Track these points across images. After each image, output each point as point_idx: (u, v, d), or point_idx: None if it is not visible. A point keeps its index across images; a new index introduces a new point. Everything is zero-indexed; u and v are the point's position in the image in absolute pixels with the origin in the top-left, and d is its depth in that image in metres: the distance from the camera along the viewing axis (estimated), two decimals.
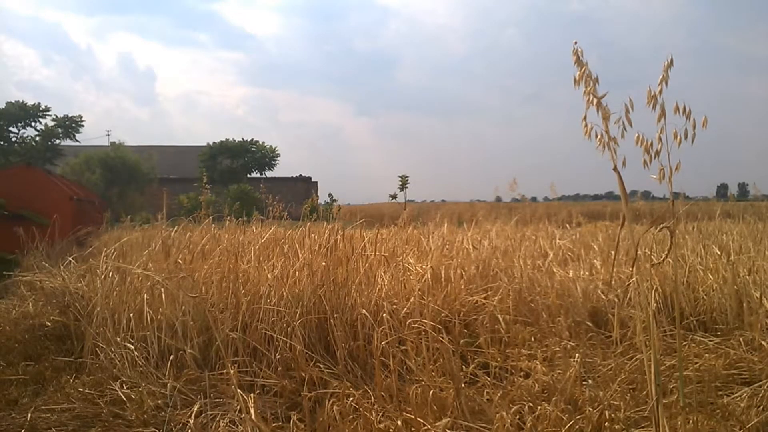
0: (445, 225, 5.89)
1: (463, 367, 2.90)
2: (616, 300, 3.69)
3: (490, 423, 2.21)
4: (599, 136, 1.79)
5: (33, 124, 21.27)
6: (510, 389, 2.65)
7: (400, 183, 18.52)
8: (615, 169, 1.79)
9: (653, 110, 1.76)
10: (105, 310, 3.40)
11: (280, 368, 2.91)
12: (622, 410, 2.36)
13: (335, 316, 3.19)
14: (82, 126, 22.03)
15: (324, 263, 3.49)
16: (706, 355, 3.09)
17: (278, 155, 29.15)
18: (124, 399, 2.69)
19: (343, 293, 3.42)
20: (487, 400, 2.56)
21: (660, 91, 1.75)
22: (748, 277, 3.75)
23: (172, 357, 2.92)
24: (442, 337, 2.82)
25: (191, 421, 2.34)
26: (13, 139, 20.81)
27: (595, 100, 1.76)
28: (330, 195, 20.03)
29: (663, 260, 2.36)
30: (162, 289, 3.37)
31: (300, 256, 3.69)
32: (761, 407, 2.35)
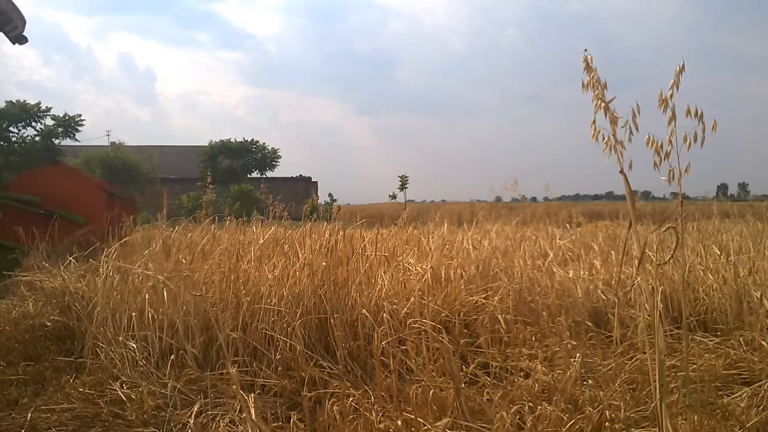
0: (445, 225, 5.89)
1: (463, 367, 2.90)
2: (616, 300, 3.69)
3: (490, 423, 2.21)
4: (606, 139, 1.82)
5: (33, 124, 21.27)
6: (510, 389, 2.65)
7: (400, 183, 18.55)
8: (621, 171, 1.83)
9: (664, 113, 1.81)
10: (105, 310, 3.40)
11: (280, 368, 2.91)
12: (622, 410, 2.36)
13: (335, 316, 3.19)
14: (82, 126, 22.03)
15: (324, 263, 3.49)
16: (706, 355, 3.09)
17: (279, 156, 29.18)
18: (125, 399, 2.69)
19: (343, 293, 3.42)
20: (487, 400, 2.56)
21: (671, 95, 1.80)
22: (748, 277, 3.76)
23: (172, 357, 2.93)
24: (442, 337, 2.82)
25: (191, 421, 2.34)
26: (13, 139, 20.79)
27: (603, 104, 1.80)
28: (330, 195, 20.06)
29: (669, 260, 2.36)
30: (163, 289, 3.37)
31: (300, 256, 3.69)
32: (761, 407, 2.35)
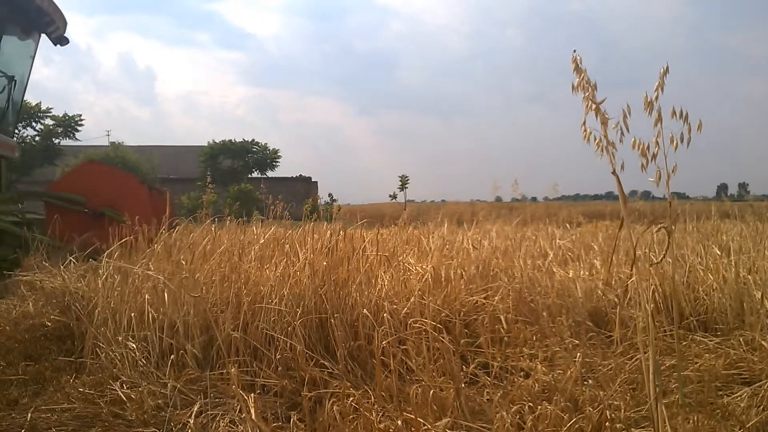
0: (446, 225, 5.89)
1: (464, 367, 2.90)
2: (616, 300, 3.70)
3: (490, 423, 2.21)
4: (597, 141, 1.82)
5: (33, 124, 21.27)
6: (510, 389, 2.65)
7: (400, 183, 18.55)
8: (614, 172, 1.84)
9: (650, 115, 1.81)
10: (106, 310, 3.40)
11: (280, 368, 2.91)
12: (623, 410, 2.36)
13: (336, 315, 3.19)
14: (82, 126, 22.06)
15: (325, 263, 3.49)
16: (706, 355, 3.09)
17: (279, 156, 29.20)
18: (125, 399, 2.69)
19: (343, 293, 3.42)
20: (488, 400, 2.56)
21: (656, 97, 1.80)
22: (748, 277, 3.75)
23: (172, 357, 2.93)
24: (443, 337, 2.82)
25: (191, 421, 2.34)
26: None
27: (593, 106, 1.80)
28: (330, 195, 20.06)
29: (661, 260, 2.38)
30: (164, 289, 3.37)
31: (301, 256, 3.69)
32: (761, 407, 2.35)
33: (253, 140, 29.03)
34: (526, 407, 2.30)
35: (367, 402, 2.46)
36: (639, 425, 2.29)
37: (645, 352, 1.99)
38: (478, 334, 3.30)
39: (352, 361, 3.06)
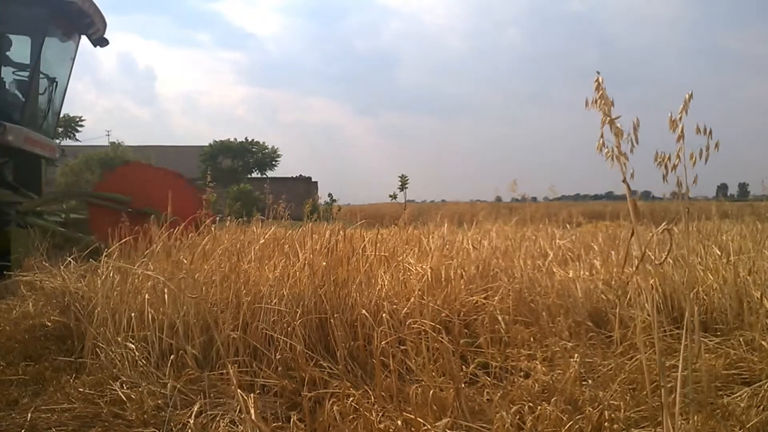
0: (446, 225, 5.89)
1: (463, 367, 2.90)
2: (616, 300, 3.70)
3: (490, 423, 2.21)
4: (608, 151, 1.93)
5: None
6: (510, 389, 2.65)
7: (400, 183, 18.53)
8: (624, 181, 1.92)
9: (673, 133, 1.94)
10: (105, 310, 3.40)
11: (280, 368, 2.91)
12: (622, 410, 2.36)
13: (335, 316, 3.19)
14: (82, 126, 22.04)
15: (324, 263, 3.49)
16: (706, 355, 3.09)
17: (279, 155, 29.20)
18: (125, 399, 2.69)
19: (343, 293, 3.42)
20: (487, 400, 2.56)
21: (680, 118, 1.93)
22: (748, 277, 3.75)
23: (172, 357, 2.93)
24: (442, 337, 2.82)
25: (191, 421, 2.34)
26: None
27: (609, 120, 1.91)
28: (330, 195, 20.03)
29: (663, 261, 2.40)
30: (164, 289, 3.37)
31: (301, 256, 3.69)
32: (761, 407, 2.35)
33: (253, 140, 29.06)
34: (526, 407, 2.30)
35: (367, 402, 2.46)
36: (639, 425, 2.29)
37: (645, 353, 2.00)
38: (477, 334, 3.30)
39: (352, 361, 3.06)
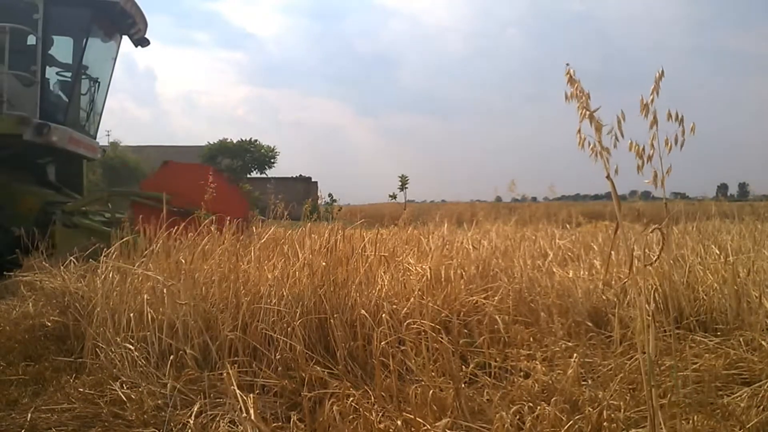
0: (445, 225, 5.89)
1: (463, 367, 2.90)
2: (616, 300, 3.69)
3: (489, 423, 2.21)
4: (592, 146, 1.88)
5: None
6: (510, 389, 2.65)
7: (400, 183, 18.53)
8: (608, 177, 1.87)
9: (646, 118, 1.85)
10: (105, 311, 3.40)
11: (280, 368, 2.91)
12: (622, 410, 2.36)
13: (335, 316, 3.19)
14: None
15: (324, 263, 3.49)
16: (706, 355, 3.09)
17: (277, 153, 29.19)
18: (124, 399, 2.69)
19: (343, 293, 3.42)
20: (487, 400, 2.56)
21: (652, 100, 1.85)
22: (747, 277, 3.75)
23: (172, 357, 2.93)
24: (442, 338, 2.82)
25: (191, 422, 2.34)
26: None
27: (587, 113, 1.85)
28: (330, 195, 20.01)
29: (656, 260, 2.40)
30: (163, 290, 3.37)
31: (300, 256, 3.69)
32: (761, 407, 2.35)
33: (251, 139, 29.06)
34: (526, 407, 2.30)
35: (367, 402, 2.46)
36: (639, 425, 2.29)
37: (644, 353, 2.00)
38: (477, 334, 3.30)
39: (352, 361, 3.06)
